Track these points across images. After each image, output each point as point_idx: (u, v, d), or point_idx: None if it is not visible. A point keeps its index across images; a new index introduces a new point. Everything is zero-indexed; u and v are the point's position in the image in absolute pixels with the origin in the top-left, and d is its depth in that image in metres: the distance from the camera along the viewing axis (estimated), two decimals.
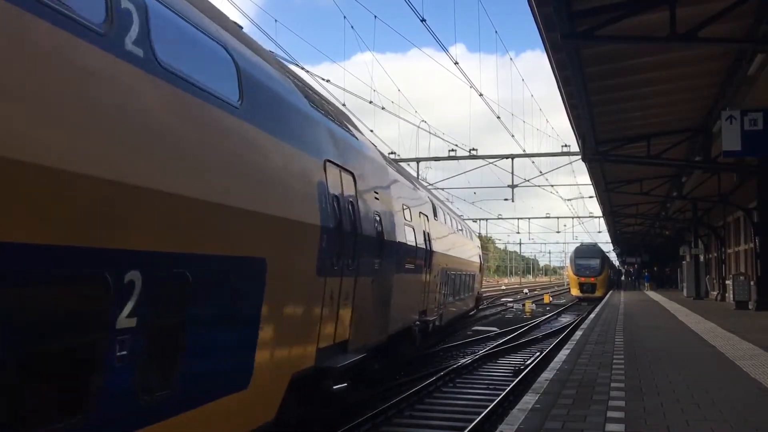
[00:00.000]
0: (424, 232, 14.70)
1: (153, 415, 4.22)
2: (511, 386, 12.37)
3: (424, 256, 14.40)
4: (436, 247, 16.18)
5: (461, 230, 23.55)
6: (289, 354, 6.45)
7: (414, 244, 13.23)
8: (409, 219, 13.20)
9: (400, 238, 11.54)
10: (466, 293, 24.03)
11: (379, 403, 10.68)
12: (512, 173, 32.98)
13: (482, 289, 35.27)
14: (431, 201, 17.22)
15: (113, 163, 3.75)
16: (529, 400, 7.39)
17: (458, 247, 21.12)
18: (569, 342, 13.95)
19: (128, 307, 3.87)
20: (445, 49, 17.15)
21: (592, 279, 46.59)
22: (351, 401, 10.21)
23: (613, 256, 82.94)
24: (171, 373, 4.43)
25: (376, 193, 9.93)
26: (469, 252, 24.55)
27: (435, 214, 17.05)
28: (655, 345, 12.74)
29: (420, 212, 14.75)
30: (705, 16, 10.44)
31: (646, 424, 6.16)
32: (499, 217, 65.19)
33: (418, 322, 14.16)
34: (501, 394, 11.75)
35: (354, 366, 8.16)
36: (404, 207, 12.79)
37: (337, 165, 7.83)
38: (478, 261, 28.23)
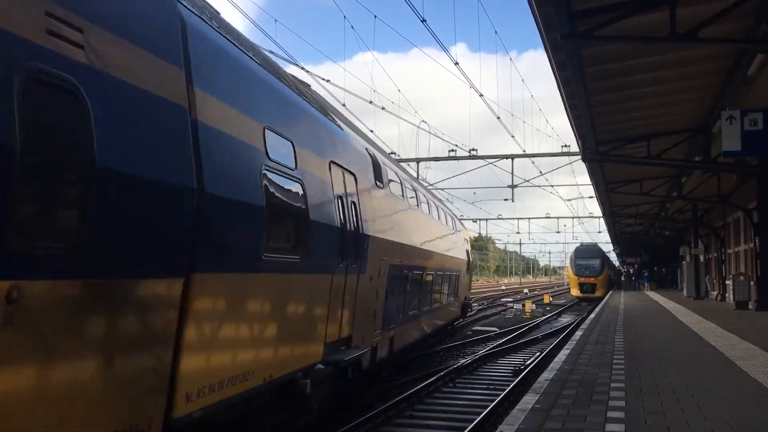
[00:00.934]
0: (345, 201, 8.59)
1: None
2: (511, 386, 12.37)
3: (342, 240, 8.30)
4: (379, 230, 10.31)
5: (437, 214, 17.17)
6: None
7: (304, 212, 7.02)
8: (297, 168, 6.94)
9: (234, 194, 5.49)
10: (444, 301, 18.17)
11: (379, 403, 10.68)
12: (512, 173, 33.03)
13: (471, 293, 28.85)
14: (373, 159, 10.76)
15: None
16: (529, 400, 7.39)
17: (428, 235, 14.96)
18: (569, 342, 13.95)
19: None
20: (445, 50, 17.16)
21: (592, 279, 46.60)
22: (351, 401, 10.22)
23: (613, 256, 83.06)
24: None
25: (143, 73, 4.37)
26: (449, 244, 18.62)
27: (379, 180, 10.81)
28: (655, 345, 12.74)
29: (340, 166, 8.61)
30: (705, 16, 10.46)
31: (646, 424, 6.16)
32: (499, 217, 65.29)
33: (321, 366, 7.75)
34: (501, 394, 11.75)
35: None
36: (284, 141, 6.73)
37: None
38: (465, 258, 22.05)
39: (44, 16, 3.57)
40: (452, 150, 32.08)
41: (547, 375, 9.19)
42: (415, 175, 30.95)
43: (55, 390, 3.60)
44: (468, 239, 24.36)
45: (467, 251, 23.20)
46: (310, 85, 10.29)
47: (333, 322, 8.09)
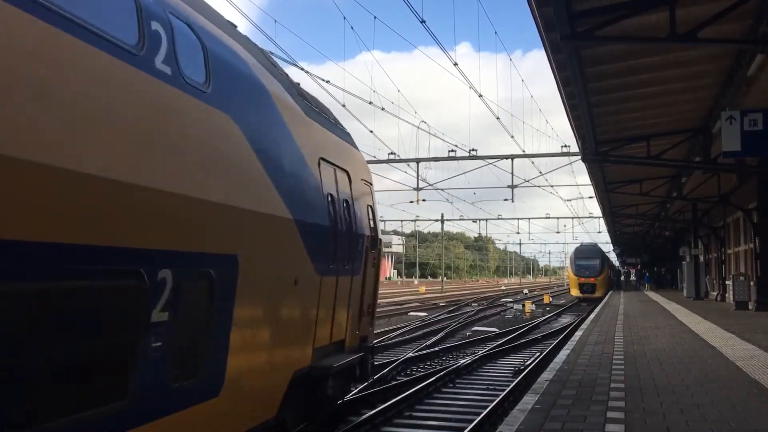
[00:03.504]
0: None
1: None
2: (510, 387, 12.37)
3: None
4: None
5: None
6: None
7: None
8: None
9: None
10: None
11: (379, 403, 10.68)
12: (512, 173, 33.01)
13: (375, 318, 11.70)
14: None
15: None
16: (528, 400, 7.39)
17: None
18: (569, 342, 13.96)
19: None
20: (444, 50, 17.16)
21: (592, 279, 46.62)
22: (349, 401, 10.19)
23: (613, 257, 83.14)
24: None
25: None
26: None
27: None
28: (655, 345, 12.74)
29: None
30: (705, 17, 10.45)
31: (646, 424, 6.16)
32: (499, 217, 65.39)
33: None
34: (501, 394, 11.75)
35: None
36: None
37: None
38: (326, 221, 7.38)
39: None
40: (452, 150, 32.07)
41: (546, 375, 9.19)
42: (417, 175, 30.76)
43: None
44: (369, 184, 9.69)
45: (343, 203, 8.16)
46: None
47: None
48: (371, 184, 9.76)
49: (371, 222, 9.41)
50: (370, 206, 9.53)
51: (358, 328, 8.84)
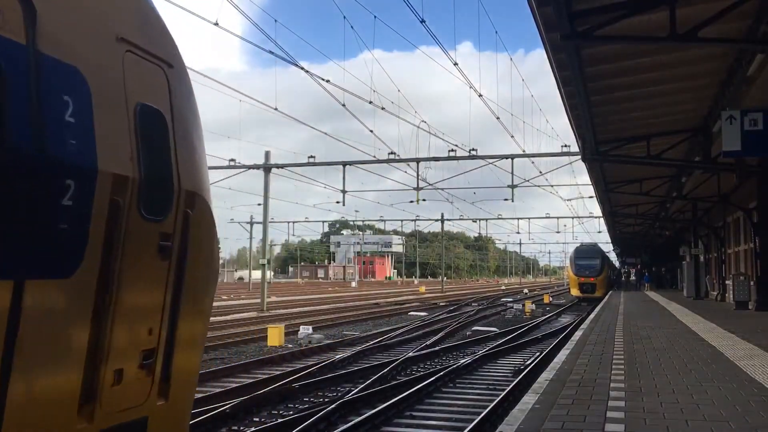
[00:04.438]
0: None
1: None
2: (511, 386, 12.37)
3: None
4: None
5: None
6: None
7: None
8: None
9: None
10: None
11: (379, 403, 10.68)
12: (512, 173, 33.01)
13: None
14: None
15: None
16: (528, 400, 7.38)
17: None
18: (569, 342, 13.96)
19: None
20: (444, 50, 17.17)
21: (592, 279, 46.64)
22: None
23: (613, 257, 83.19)
24: None
25: None
26: None
27: None
28: (655, 345, 12.74)
29: None
30: (705, 17, 10.45)
31: (646, 424, 6.16)
32: (499, 217, 65.41)
33: None
34: (501, 394, 11.75)
35: None
36: None
37: None
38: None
39: None
40: (452, 150, 32.05)
41: (546, 375, 9.18)
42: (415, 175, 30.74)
43: None
44: (162, 65, 3.98)
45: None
46: None
47: None
48: (170, 67, 4.11)
49: (166, 152, 3.90)
50: (157, 113, 3.84)
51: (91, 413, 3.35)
